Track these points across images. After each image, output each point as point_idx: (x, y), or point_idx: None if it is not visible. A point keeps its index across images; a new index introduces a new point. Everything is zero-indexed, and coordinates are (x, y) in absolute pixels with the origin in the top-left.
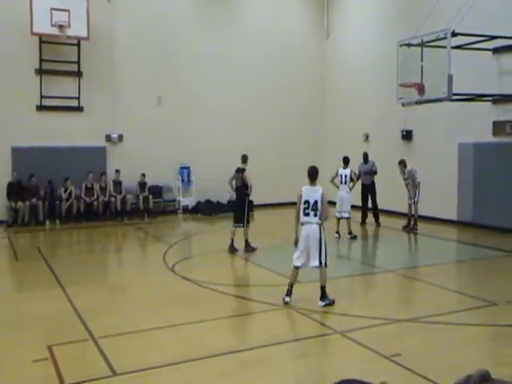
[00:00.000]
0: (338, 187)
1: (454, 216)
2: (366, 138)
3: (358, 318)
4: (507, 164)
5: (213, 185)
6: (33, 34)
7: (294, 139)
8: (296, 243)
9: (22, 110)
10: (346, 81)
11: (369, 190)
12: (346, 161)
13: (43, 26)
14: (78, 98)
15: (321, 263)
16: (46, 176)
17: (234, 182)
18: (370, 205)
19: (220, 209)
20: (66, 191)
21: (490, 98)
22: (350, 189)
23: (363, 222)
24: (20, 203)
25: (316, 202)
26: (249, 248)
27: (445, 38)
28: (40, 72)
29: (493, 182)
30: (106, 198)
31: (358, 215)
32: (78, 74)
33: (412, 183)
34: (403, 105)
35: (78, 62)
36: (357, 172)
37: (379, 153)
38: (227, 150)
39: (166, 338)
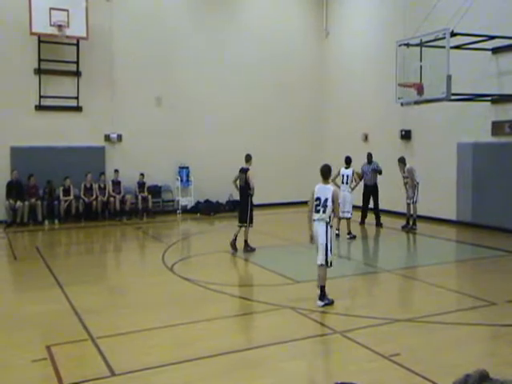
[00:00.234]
0: (338, 187)
1: (453, 216)
2: (365, 137)
3: (358, 318)
4: (506, 164)
5: (212, 185)
6: (32, 33)
7: (293, 139)
8: (312, 240)
9: (20, 110)
10: (345, 81)
11: (371, 191)
12: (348, 161)
13: (42, 26)
14: (77, 98)
15: (326, 262)
16: (44, 176)
17: (238, 182)
18: (370, 205)
19: (219, 209)
20: (65, 189)
21: (488, 98)
22: (352, 189)
23: (362, 222)
24: (19, 203)
25: (327, 199)
26: (248, 248)
27: (444, 38)
28: (39, 72)
29: (492, 182)
30: (105, 198)
31: (356, 215)
32: (77, 73)
33: (411, 182)
34: (402, 105)
35: (77, 62)
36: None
37: (378, 152)
38: (226, 150)
39: (164, 337)
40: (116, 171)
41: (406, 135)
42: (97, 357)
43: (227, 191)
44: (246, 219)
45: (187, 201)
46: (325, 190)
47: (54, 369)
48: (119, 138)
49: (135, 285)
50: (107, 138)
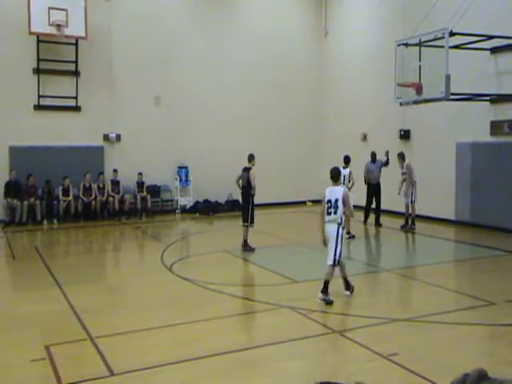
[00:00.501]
0: None
1: (451, 215)
2: (364, 137)
3: (356, 318)
4: (505, 163)
5: (211, 184)
6: (30, 33)
7: (292, 138)
8: (324, 243)
9: (19, 110)
10: (344, 80)
11: (375, 190)
12: (347, 160)
13: (41, 26)
14: (76, 98)
15: (334, 262)
16: (43, 175)
17: (240, 182)
18: (372, 205)
19: (218, 208)
20: (64, 189)
21: (487, 98)
22: (349, 189)
23: (365, 222)
24: (16, 201)
25: (337, 200)
26: (247, 248)
27: (443, 38)
28: (38, 71)
29: (490, 182)
30: (104, 198)
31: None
32: (76, 73)
33: (408, 179)
34: (401, 104)
35: (76, 62)
36: (363, 170)
37: (377, 152)
38: (225, 150)
39: (163, 337)
40: (115, 171)
41: (405, 135)
42: (96, 356)
43: (226, 191)
44: (247, 219)
45: (186, 200)
46: (335, 192)
47: (52, 368)
48: (118, 137)
49: (134, 284)
50: (106, 137)
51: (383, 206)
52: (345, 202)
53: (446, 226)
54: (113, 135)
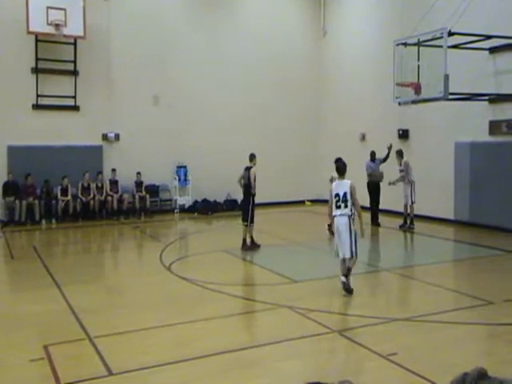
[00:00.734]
0: None
1: (450, 215)
2: (363, 137)
3: (355, 317)
4: (503, 163)
5: (209, 184)
6: (29, 32)
7: (291, 138)
8: (332, 233)
9: (18, 109)
10: (343, 80)
11: (374, 190)
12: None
13: (39, 25)
14: (75, 97)
15: (352, 254)
16: (42, 175)
17: (242, 181)
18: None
19: (217, 208)
20: (62, 189)
21: (486, 98)
22: None
23: (372, 222)
24: (11, 199)
25: (345, 193)
26: (247, 247)
27: (441, 38)
28: (36, 71)
29: (489, 182)
30: (103, 198)
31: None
32: (75, 73)
33: (406, 177)
34: (400, 104)
35: (75, 61)
36: (365, 168)
37: (376, 152)
38: (224, 150)
39: (162, 337)
40: (113, 170)
41: (404, 134)
42: (94, 356)
43: (225, 190)
44: (248, 218)
45: (185, 200)
46: (342, 185)
47: (51, 368)
48: (117, 137)
49: (133, 284)
50: (105, 137)
51: (382, 206)
52: (352, 194)
53: (445, 226)
54: (111, 135)
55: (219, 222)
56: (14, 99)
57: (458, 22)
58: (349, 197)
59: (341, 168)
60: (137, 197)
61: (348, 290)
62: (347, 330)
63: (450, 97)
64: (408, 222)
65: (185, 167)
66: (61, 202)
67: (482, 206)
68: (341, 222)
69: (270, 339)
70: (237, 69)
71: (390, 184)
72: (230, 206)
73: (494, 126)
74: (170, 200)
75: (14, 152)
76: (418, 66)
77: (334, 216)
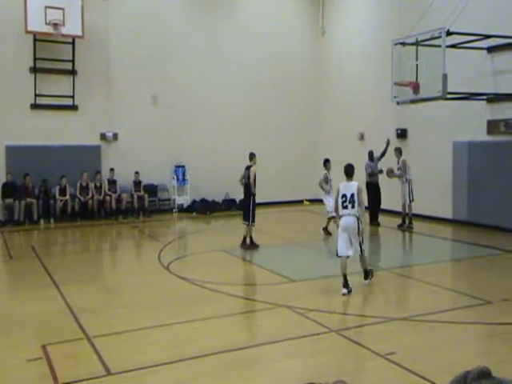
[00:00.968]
0: (323, 189)
1: (448, 214)
2: (362, 136)
3: (354, 317)
4: (501, 163)
5: (208, 184)
6: (27, 32)
7: (291, 138)
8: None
9: (16, 109)
10: (342, 79)
11: (374, 190)
12: (327, 161)
13: (37, 25)
14: (73, 97)
15: (361, 252)
16: (40, 175)
17: (243, 180)
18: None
19: (215, 207)
20: (61, 189)
21: (484, 97)
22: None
23: (374, 222)
24: (11, 200)
25: (353, 194)
26: (247, 246)
27: (439, 37)
28: (34, 70)
29: (487, 181)
30: (101, 197)
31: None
32: (73, 72)
33: (403, 176)
34: (398, 103)
35: (73, 61)
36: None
37: (374, 151)
38: (222, 149)
39: (160, 337)
40: (112, 170)
41: (402, 134)
42: (92, 356)
43: (223, 190)
44: (248, 217)
45: (183, 200)
46: (350, 187)
47: (49, 368)
48: (115, 136)
49: (131, 284)
50: (103, 136)
51: (382, 206)
52: (358, 196)
53: (443, 225)
54: (110, 134)
55: (218, 221)
56: (12, 99)
57: (457, 21)
58: (356, 198)
59: (349, 170)
60: (135, 196)
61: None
62: (346, 330)
63: (449, 96)
64: (407, 221)
65: (183, 167)
66: (59, 202)
67: (480, 206)
68: (349, 222)
69: (268, 339)
70: (236, 69)
71: (388, 174)
72: (228, 205)
73: (492, 126)
74: (169, 200)
75: (12, 152)
76: (417, 66)
77: (342, 216)
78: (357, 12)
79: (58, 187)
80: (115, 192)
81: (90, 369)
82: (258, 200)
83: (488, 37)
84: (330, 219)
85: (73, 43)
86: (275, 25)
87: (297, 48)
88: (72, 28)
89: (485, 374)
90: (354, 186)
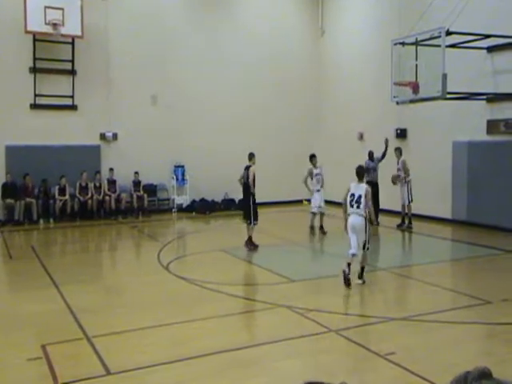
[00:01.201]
0: (309, 189)
1: (448, 214)
2: (361, 136)
3: (353, 317)
4: (501, 162)
5: (207, 183)
6: (27, 32)
7: (291, 138)
8: (346, 229)
9: (15, 109)
10: (341, 79)
11: (373, 188)
12: (313, 157)
13: (37, 25)
14: (72, 97)
15: (366, 248)
16: (40, 174)
17: (242, 180)
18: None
19: (214, 207)
20: (60, 189)
21: (484, 97)
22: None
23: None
24: (11, 201)
25: (360, 196)
26: (248, 245)
27: (439, 37)
28: (34, 70)
29: (487, 181)
30: (101, 197)
31: None
32: (72, 72)
33: (402, 176)
34: (398, 103)
35: (72, 61)
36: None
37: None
38: (222, 149)
39: (160, 336)
40: (111, 170)
41: (402, 134)
42: (92, 356)
43: (223, 190)
44: (249, 217)
45: (183, 199)
46: (359, 188)
47: (49, 368)
48: (115, 136)
49: (130, 284)
50: (103, 136)
51: (381, 206)
52: (366, 198)
53: (443, 225)
54: (109, 134)
55: (217, 221)
56: (11, 99)
57: (456, 21)
58: (363, 200)
59: (360, 172)
60: (135, 196)
61: (346, 281)
62: (345, 330)
63: (448, 96)
64: (406, 221)
65: (182, 167)
66: (59, 202)
67: (479, 206)
68: (357, 221)
69: (268, 339)
70: (236, 69)
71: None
72: (227, 205)
73: (492, 126)
74: (168, 199)
75: (11, 152)
76: (416, 66)
77: (349, 214)
78: (356, 11)
79: (57, 187)
80: (115, 192)
81: (89, 368)
82: (257, 200)
83: (488, 36)
84: (314, 215)
85: (72, 43)
86: (275, 25)
87: (296, 48)
88: (71, 28)
89: (485, 374)
90: (363, 189)
